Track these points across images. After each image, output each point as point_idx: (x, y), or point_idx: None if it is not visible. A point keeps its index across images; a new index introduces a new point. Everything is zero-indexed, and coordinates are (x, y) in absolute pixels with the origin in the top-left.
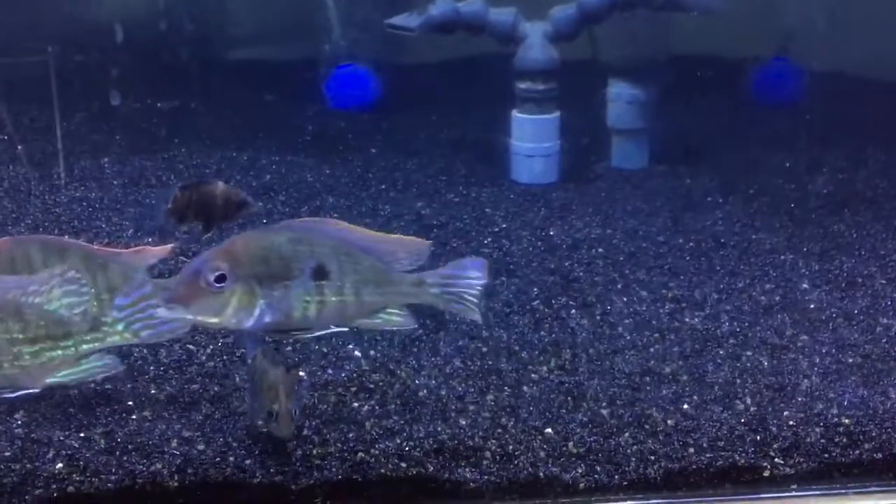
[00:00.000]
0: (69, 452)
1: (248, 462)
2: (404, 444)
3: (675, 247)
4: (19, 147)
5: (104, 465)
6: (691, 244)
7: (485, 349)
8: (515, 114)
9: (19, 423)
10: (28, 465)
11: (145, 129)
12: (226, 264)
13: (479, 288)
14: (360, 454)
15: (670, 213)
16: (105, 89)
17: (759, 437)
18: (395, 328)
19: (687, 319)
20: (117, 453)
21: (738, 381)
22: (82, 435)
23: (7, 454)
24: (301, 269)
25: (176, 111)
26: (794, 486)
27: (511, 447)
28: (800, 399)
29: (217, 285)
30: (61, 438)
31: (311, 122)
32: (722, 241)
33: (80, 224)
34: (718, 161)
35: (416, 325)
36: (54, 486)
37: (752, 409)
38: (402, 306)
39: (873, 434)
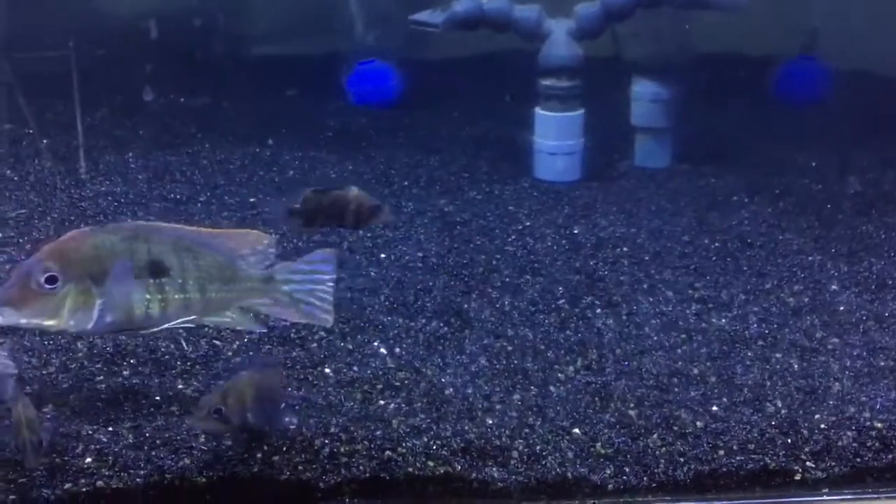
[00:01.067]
0: (98, 447)
1: (275, 458)
2: (431, 442)
3: (701, 247)
4: (44, 141)
5: (133, 460)
6: (717, 244)
7: (510, 348)
8: (539, 111)
9: (48, 416)
10: (57, 459)
11: (168, 124)
12: (56, 264)
13: (329, 284)
14: (387, 452)
15: (695, 212)
16: (127, 84)
17: (789, 441)
18: (244, 329)
19: (714, 320)
20: (146, 448)
21: (768, 383)
22: (110, 429)
23: None
24: (125, 267)
25: (198, 106)
26: (826, 490)
27: (539, 447)
28: (831, 402)
29: (48, 287)
30: (90, 433)
31: (333, 119)
32: (748, 241)
33: (105, 219)
34: (743, 160)
35: (265, 329)
36: (83, 481)
37: (782, 411)
38: (249, 308)
39: None
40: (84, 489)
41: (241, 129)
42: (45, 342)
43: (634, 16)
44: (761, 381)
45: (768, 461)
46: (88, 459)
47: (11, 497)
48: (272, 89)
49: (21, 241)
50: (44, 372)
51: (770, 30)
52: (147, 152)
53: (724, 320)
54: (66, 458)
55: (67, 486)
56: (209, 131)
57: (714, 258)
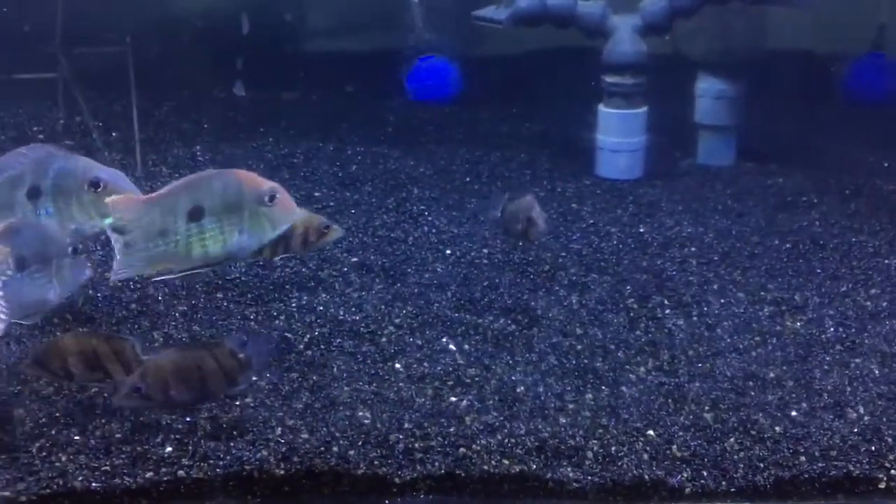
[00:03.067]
0: (178, 437)
1: (351, 453)
2: (505, 440)
3: (771, 248)
4: (113, 134)
5: (212, 451)
6: (788, 245)
7: (579, 347)
8: (601, 108)
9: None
10: (138, 448)
11: (232, 118)
12: None
13: None
14: (461, 449)
15: (763, 212)
16: (193, 79)
17: (873, 448)
18: None
19: (788, 323)
20: (223, 438)
21: (849, 388)
22: (188, 419)
23: (118, 436)
24: None
25: (260, 101)
26: None
27: (613, 448)
28: None
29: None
30: (169, 422)
31: (392, 114)
32: (821, 242)
33: None
34: (811, 159)
35: None
36: (164, 469)
37: (865, 418)
38: None
39: None
40: (165, 478)
41: (302, 124)
42: (121, 331)
43: (701, 12)
44: (841, 386)
45: (851, 468)
46: (168, 448)
47: (95, 485)
48: (333, 85)
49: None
50: None
51: (839, 26)
52: (213, 146)
53: (799, 323)
54: (146, 446)
55: (149, 474)
56: (272, 126)
57: (785, 259)
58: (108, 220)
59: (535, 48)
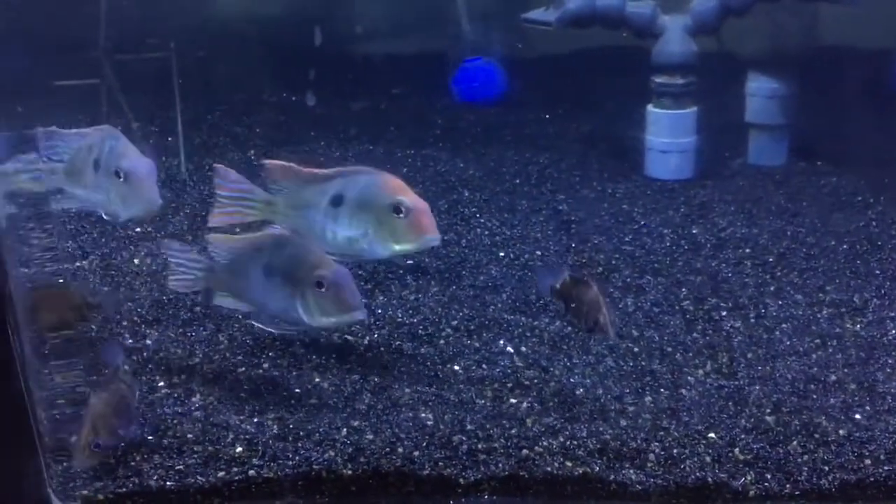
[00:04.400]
0: (247, 437)
1: (416, 454)
2: (567, 442)
3: (827, 248)
4: (169, 139)
5: (281, 451)
6: (844, 246)
7: (636, 349)
8: (651, 108)
9: (197, 405)
10: (210, 448)
11: (283, 122)
12: None
13: None
14: (524, 450)
15: (817, 212)
16: (245, 84)
17: None
18: None
19: (848, 325)
20: (290, 439)
21: None
22: (256, 420)
23: (190, 436)
24: None
25: (310, 105)
26: None
27: (675, 450)
28: None
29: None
30: (238, 423)
31: (440, 116)
32: (878, 243)
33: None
34: (866, 159)
35: None
36: (235, 469)
37: None
38: None
39: None
40: (236, 477)
41: (352, 127)
42: (189, 334)
43: (752, 10)
44: None
45: None
46: (239, 448)
47: (169, 484)
48: (379, 88)
49: (158, 235)
50: (189, 363)
51: (894, 20)
52: (266, 150)
53: (859, 325)
54: (217, 446)
55: (221, 474)
56: (322, 129)
57: (842, 260)
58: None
59: (583, 48)
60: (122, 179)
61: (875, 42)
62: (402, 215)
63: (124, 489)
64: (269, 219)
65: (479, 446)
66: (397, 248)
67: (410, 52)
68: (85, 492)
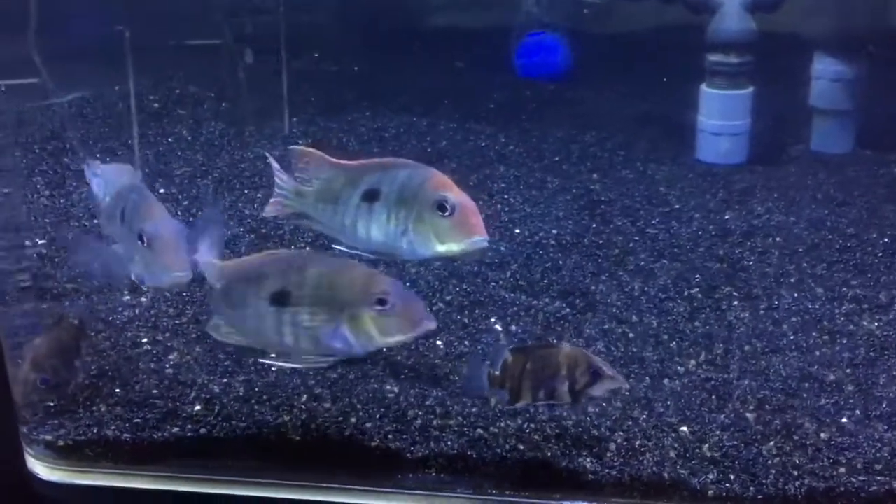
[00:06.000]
0: (208, 396)
1: (368, 425)
2: (525, 425)
3: (867, 241)
4: (223, 105)
5: (236, 412)
6: (886, 240)
7: (632, 335)
8: (704, 88)
9: (171, 363)
10: (170, 405)
11: (337, 91)
12: None
13: None
14: (478, 430)
15: (867, 203)
16: (303, 51)
17: None
18: None
19: (865, 323)
20: (252, 402)
21: None
22: (224, 381)
23: (154, 392)
24: None
25: (368, 75)
26: None
27: (638, 442)
28: None
29: None
30: (205, 382)
31: (496, 91)
32: None
33: (259, 181)
34: None
35: None
36: (190, 427)
37: None
38: None
39: None
40: (189, 434)
41: (404, 99)
42: (184, 293)
43: None
44: None
45: (895, 485)
46: (197, 407)
47: (126, 436)
48: (441, 60)
49: (181, 196)
50: (177, 321)
51: None
52: (310, 118)
53: (876, 324)
54: (178, 403)
55: (175, 429)
56: (374, 100)
57: (880, 254)
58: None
59: (648, 25)
60: (145, 244)
61: None
62: (446, 213)
63: (83, 437)
64: (301, 211)
65: (434, 423)
66: (441, 248)
67: (475, 25)
68: (48, 437)
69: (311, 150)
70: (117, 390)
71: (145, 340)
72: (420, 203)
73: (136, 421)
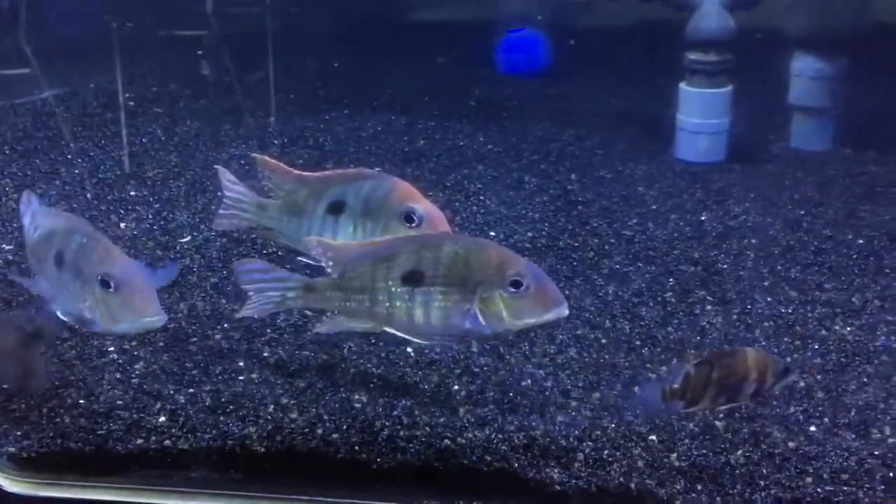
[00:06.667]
0: (174, 407)
1: (334, 436)
2: (493, 435)
3: (842, 242)
4: (200, 102)
5: (201, 423)
6: (861, 241)
7: (604, 341)
8: (683, 86)
9: (137, 373)
10: (135, 416)
11: (317, 89)
12: None
13: None
14: (446, 441)
15: (844, 203)
16: (287, 50)
17: (892, 475)
18: None
19: (837, 328)
20: (217, 412)
21: (882, 405)
22: (191, 391)
23: (119, 402)
24: None
25: (349, 72)
26: None
27: (606, 452)
28: None
29: None
30: (170, 393)
31: (477, 87)
32: None
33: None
34: None
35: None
36: (154, 438)
37: (890, 440)
38: None
39: None
40: (153, 446)
41: (384, 96)
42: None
43: None
44: (874, 402)
45: (861, 495)
46: (162, 418)
47: (89, 448)
48: (423, 57)
49: (153, 199)
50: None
51: None
52: (288, 117)
53: (848, 329)
54: (142, 415)
55: (139, 441)
56: (354, 98)
57: (855, 256)
58: None
59: (629, 22)
60: (111, 289)
61: None
62: (414, 224)
63: (47, 449)
64: (264, 223)
65: (402, 433)
66: None
67: (457, 21)
68: (11, 449)
69: (273, 161)
70: (81, 401)
71: (112, 349)
72: (387, 214)
73: (100, 433)
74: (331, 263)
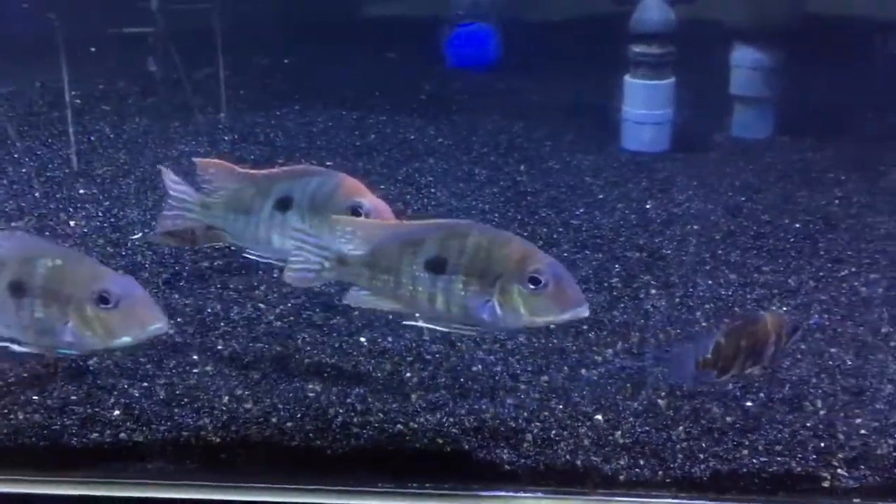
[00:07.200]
0: (128, 401)
1: (289, 425)
2: (444, 419)
3: (780, 227)
4: (149, 99)
5: (156, 416)
6: (798, 225)
7: (552, 326)
8: (628, 79)
9: (91, 368)
10: (89, 410)
11: (267, 85)
12: None
13: None
14: (398, 426)
15: (782, 189)
16: (236, 45)
17: (822, 445)
18: None
19: (774, 308)
20: (172, 405)
21: (814, 380)
22: (145, 385)
23: (73, 398)
24: None
25: (299, 67)
26: (858, 501)
27: (554, 432)
28: (878, 406)
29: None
30: (125, 387)
31: (428, 82)
32: (833, 223)
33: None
34: (851, 133)
35: None
36: (109, 432)
37: (821, 412)
38: None
39: None
40: (108, 440)
41: (335, 92)
42: None
43: None
44: (807, 377)
45: (794, 465)
46: (116, 412)
47: (44, 443)
48: (374, 52)
49: (102, 197)
50: None
51: None
52: (238, 113)
53: (784, 308)
54: (97, 409)
55: (94, 435)
56: (304, 93)
57: (792, 240)
58: None
59: (575, 16)
60: (109, 305)
61: (871, 10)
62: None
63: (0, 445)
64: (209, 223)
65: (355, 419)
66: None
67: (407, 16)
68: None
69: (216, 161)
70: (35, 397)
71: None
72: (333, 210)
73: (54, 427)
74: (358, 241)
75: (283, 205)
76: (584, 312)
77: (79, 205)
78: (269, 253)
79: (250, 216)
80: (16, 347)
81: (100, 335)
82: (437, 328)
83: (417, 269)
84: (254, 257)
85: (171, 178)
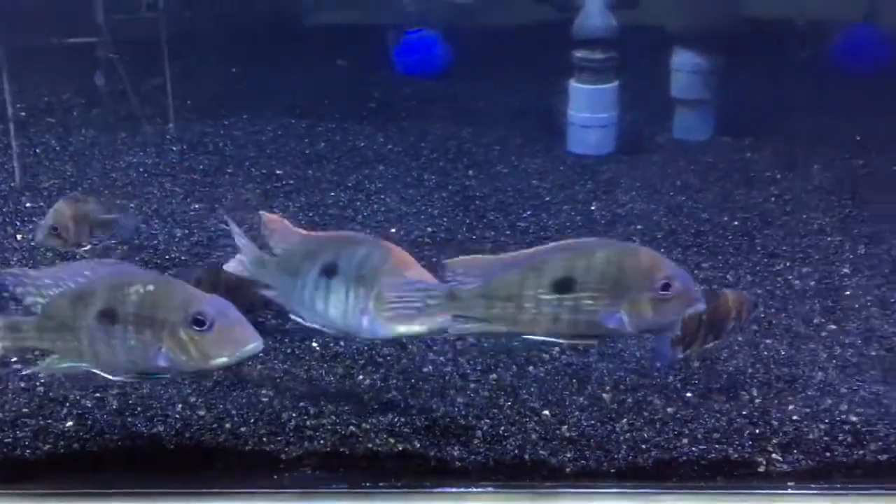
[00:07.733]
0: (81, 412)
1: (242, 430)
2: (396, 419)
3: (719, 224)
4: (95, 110)
5: (109, 426)
6: (736, 222)
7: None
8: (572, 83)
9: (42, 380)
10: (41, 422)
11: (216, 94)
12: None
13: None
14: (351, 427)
15: (722, 188)
16: (183, 53)
17: (757, 431)
18: None
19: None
20: (125, 414)
21: (750, 370)
22: (98, 395)
23: (25, 410)
24: None
25: (247, 76)
26: (792, 484)
27: (502, 428)
28: (809, 393)
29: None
30: (77, 398)
31: (376, 89)
32: (769, 220)
33: (132, 190)
34: (789, 134)
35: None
36: (62, 443)
37: (756, 400)
38: None
39: (881, 434)
40: (61, 451)
41: (284, 100)
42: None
43: None
44: (743, 367)
45: (731, 452)
46: (69, 423)
47: None
48: (323, 59)
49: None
50: None
51: None
52: (187, 123)
53: None
54: (49, 421)
55: (47, 447)
56: (253, 101)
57: (730, 237)
58: None
59: (521, 23)
60: (205, 327)
61: (810, 14)
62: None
63: None
64: (261, 279)
65: (308, 423)
66: (402, 329)
67: (355, 23)
68: None
69: (277, 218)
70: None
71: (14, 358)
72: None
73: (6, 441)
74: (470, 278)
75: (330, 271)
76: (701, 306)
77: (25, 218)
78: (312, 317)
79: (297, 279)
80: (107, 375)
81: (195, 358)
82: (556, 341)
83: (543, 291)
84: (299, 320)
85: (236, 231)
